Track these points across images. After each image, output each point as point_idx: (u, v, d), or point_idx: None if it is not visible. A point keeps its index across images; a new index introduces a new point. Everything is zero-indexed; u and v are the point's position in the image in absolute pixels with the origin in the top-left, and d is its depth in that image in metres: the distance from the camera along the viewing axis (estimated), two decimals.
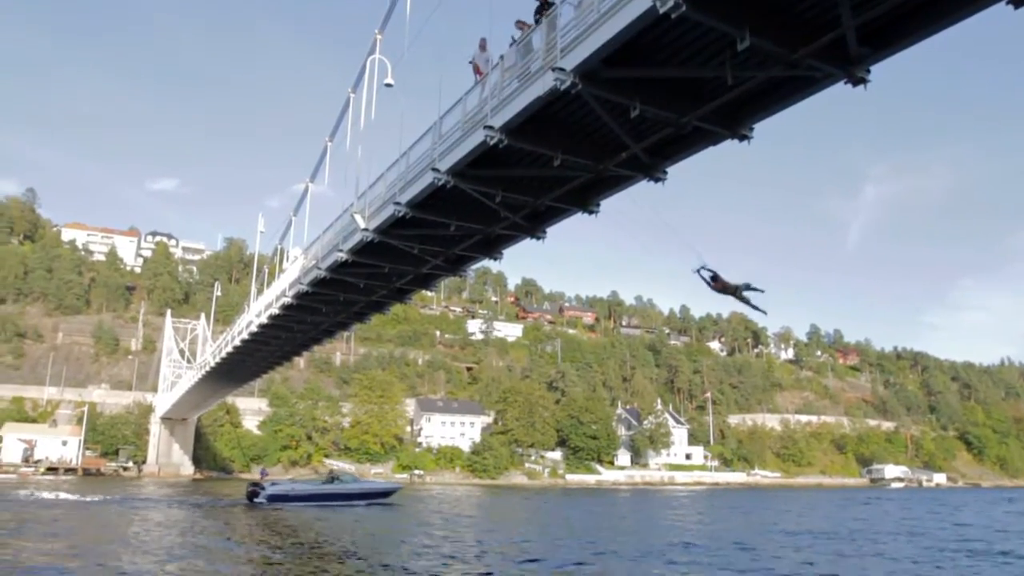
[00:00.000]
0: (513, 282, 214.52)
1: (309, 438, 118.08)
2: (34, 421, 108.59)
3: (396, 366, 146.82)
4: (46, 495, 50.22)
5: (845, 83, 14.66)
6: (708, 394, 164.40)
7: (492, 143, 18.88)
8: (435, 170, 21.67)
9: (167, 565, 20.43)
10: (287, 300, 37.04)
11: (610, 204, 23.72)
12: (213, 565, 20.65)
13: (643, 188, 21.64)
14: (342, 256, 28.71)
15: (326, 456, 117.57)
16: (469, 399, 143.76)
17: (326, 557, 23.61)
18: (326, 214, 34.36)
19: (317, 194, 39.92)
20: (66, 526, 31.60)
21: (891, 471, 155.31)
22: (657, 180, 20.49)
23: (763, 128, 17.39)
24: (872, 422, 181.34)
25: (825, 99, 15.99)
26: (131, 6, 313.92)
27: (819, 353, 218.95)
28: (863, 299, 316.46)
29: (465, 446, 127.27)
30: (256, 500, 46.79)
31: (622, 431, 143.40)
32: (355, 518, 39.49)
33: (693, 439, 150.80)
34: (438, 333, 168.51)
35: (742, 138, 17.48)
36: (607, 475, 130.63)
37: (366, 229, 26.44)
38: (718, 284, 17.85)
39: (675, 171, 20.51)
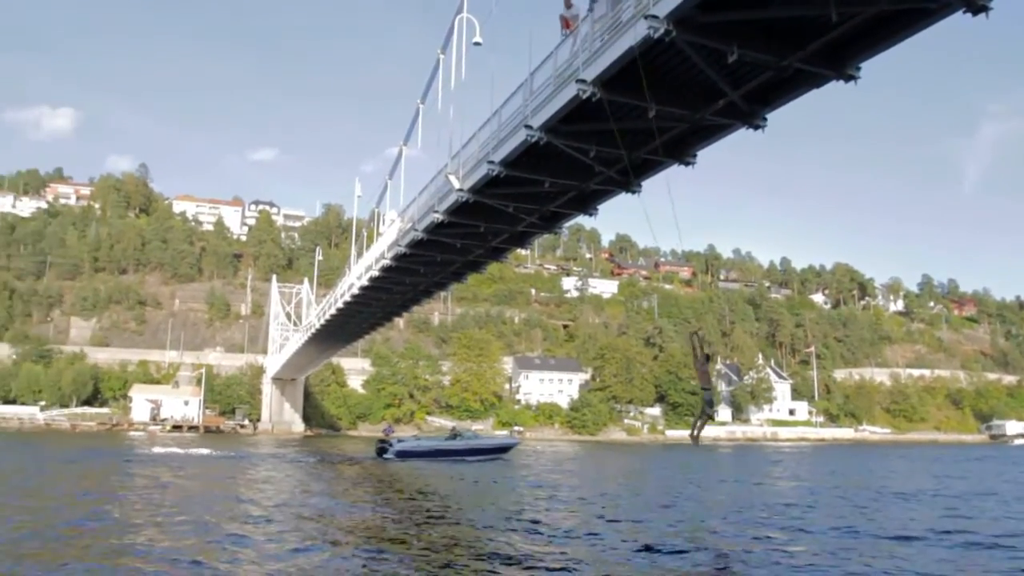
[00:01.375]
0: (607, 238, 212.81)
1: (411, 396, 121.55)
2: (158, 383, 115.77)
3: (493, 325, 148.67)
4: (177, 450, 53.47)
5: (964, 12, 13.67)
6: (812, 348, 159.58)
7: (585, 97, 18.61)
8: (528, 127, 21.56)
9: (338, 516, 21.01)
10: (386, 262, 37.88)
11: (707, 155, 23.16)
12: (371, 512, 21.37)
13: (741, 137, 20.99)
14: (438, 217, 29.07)
15: (428, 413, 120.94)
16: (566, 356, 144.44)
17: (460, 508, 24.00)
18: (420, 177, 34.75)
19: (411, 157, 40.41)
20: (214, 476, 33.64)
21: (1013, 427, 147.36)
22: (756, 128, 19.78)
23: (870, 68, 16.48)
24: (992, 376, 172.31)
25: (938, 32, 14.89)
26: None
27: (932, 304, 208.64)
28: (980, 247, 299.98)
29: (563, 403, 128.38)
30: (385, 456, 49.05)
31: (722, 386, 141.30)
32: (479, 472, 40.20)
33: (796, 394, 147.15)
34: (533, 291, 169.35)
35: (848, 79, 16.61)
36: (707, 431, 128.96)
37: (461, 189, 26.64)
38: (699, 356, 17.18)
39: (775, 118, 19.78)
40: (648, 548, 15.38)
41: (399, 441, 53.46)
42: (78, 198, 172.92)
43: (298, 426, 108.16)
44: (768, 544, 16.79)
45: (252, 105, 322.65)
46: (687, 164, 23.02)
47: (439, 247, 33.44)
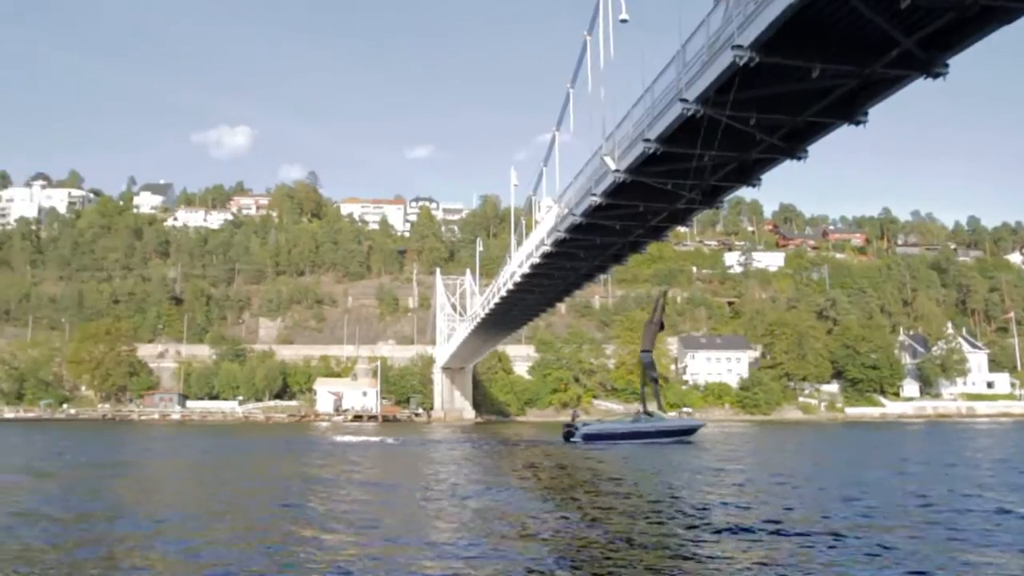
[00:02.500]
0: (770, 209, 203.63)
1: (576, 380, 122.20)
2: (338, 376, 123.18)
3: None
4: (361, 438, 56.52)
5: None
6: (1011, 314, 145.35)
7: (742, 63, 17.88)
8: (683, 100, 21.02)
9: (531, 504, 21.33)
10: (546, 249, 38.23)
11: (878, 112, 21.62)
12: (563, 501, 21.58)
13: (918, 89, 19.40)
14: (595, 200, 28.96)
15: (594, 397, 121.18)
16: (733, 334, 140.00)
17: (651, 495, 23.00)
18: (574, 161, 34.71)
19: (564, 142, 40.41)
20: (401, 462, 35.30)
21: None
22: (936, 76, 18.22)
23: None
24: None
25: None
26: None
27: None
28: None
29: (732, 382, 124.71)
30: (572, 439, 49.69)
31: (906, 359, 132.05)
32: (668, 455, 39.35)
33: (995, 365, 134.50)
34: (694, 269, 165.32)
35: None
36: (892, 407, 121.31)
37: (617, 170, 26.40)
38: (655, 319, 15.27)
39: (954, 64, 18.13)
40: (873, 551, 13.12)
41: (585, 425, 53.72)
42: (258, 208, 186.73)
43: (469, 413, 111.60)
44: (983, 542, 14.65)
45: (405, 105, 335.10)
46: (857, 124, 21.63)
47: (598, 230, 33.33)
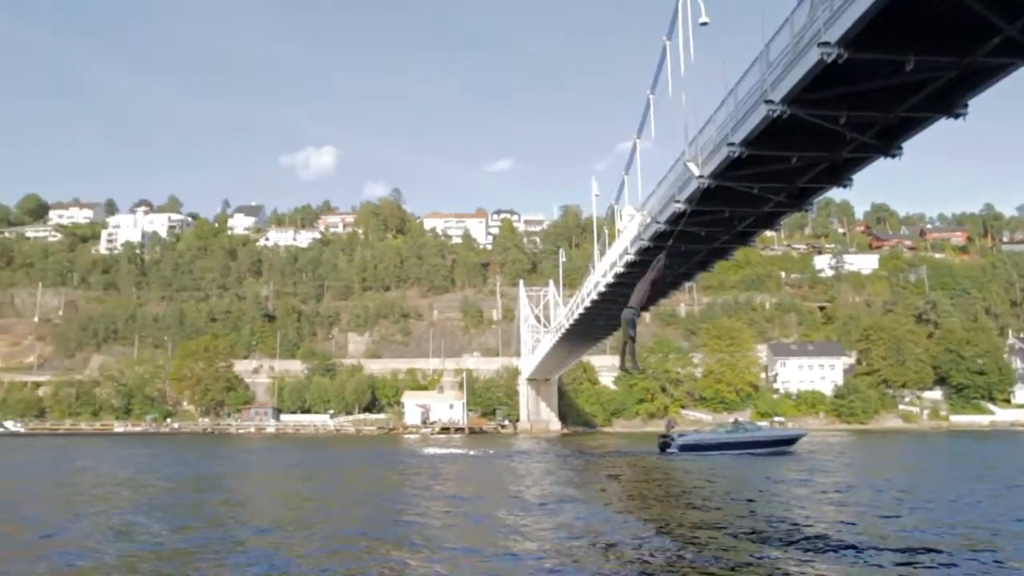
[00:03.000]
0: (861, 209, 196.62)
1: (663, 390, 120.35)
2: (424, 388, 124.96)
3: (742, 312, 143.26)
4: (451, 451, 56.95)
5: None
6: None
7: (830, 60, 17.35)
8: (768, 102, 20.51)
9: (632, 517, 21.25)
10: (629, 257, 37.84)
11: (979, 104, 20.56)
12: (667, 513, 21.32)
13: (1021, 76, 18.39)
14: (679, 207, 28.51)
15: (682, 407, 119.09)
16: (825, 340, 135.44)
17: (751, 505, 22.25)
18: (656, 169, 34.39)
19: (645, 149, 39.97)
20: (495, 474, 35.46)
21: None
22: None
23: None
24: None
25: None
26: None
27: None
28: None
29: (827, 390, 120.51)
30: (668, 451, 48.80)
31: (1018, 364, 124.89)
32: (769, 467, 37.80)
33: None
34: (783, 274, 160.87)
35: None
36: (1003, 414, 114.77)
37: (701, 176, 25.94)
38: (658, 278, 13.65)
39: None
40: None
41: (681, 436, 52.52)
42: (344, 226, 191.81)
43: (555, 424, 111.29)
44: None
45: (483, 119, 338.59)
46: (956, 117, 20.63)
47: (682, 237, 32.72)
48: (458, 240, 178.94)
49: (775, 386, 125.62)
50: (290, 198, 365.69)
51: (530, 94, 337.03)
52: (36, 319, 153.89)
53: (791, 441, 52.26)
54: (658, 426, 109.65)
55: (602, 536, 16.06)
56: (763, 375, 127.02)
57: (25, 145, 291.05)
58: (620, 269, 40.99)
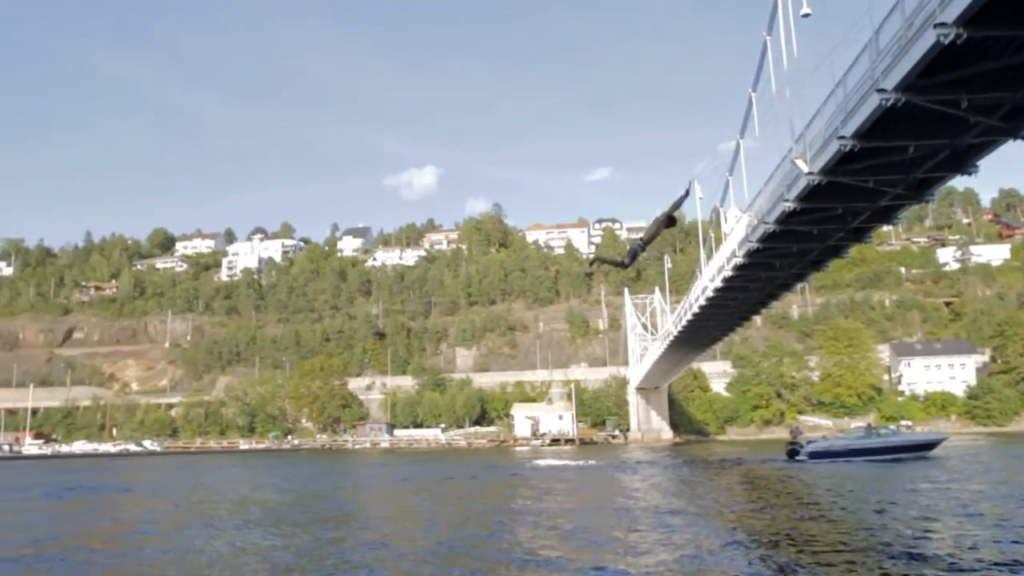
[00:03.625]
0: (988, 197, 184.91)
1: (779, 395, 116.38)
2: (533, 400, 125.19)
3: (860, 311, 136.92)
4: (563, 462, 56.58)
5: None
6: None
7: (947, 42, 16.36)
8: (880, 91, 19.56)
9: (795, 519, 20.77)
10: (738, 260, 36.79)
11: None
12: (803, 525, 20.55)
13: None
14: (788, 206, 27.51)
15: (799, 412, 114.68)
16: (954, 338, 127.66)
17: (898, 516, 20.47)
18: (761, 168, 33.34)
19: (748, 148, 38.81)
20: (613, 485, 35.09)
21: None
22: None
23: None
24: None
25: None
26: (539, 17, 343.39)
27: None
28: None
29: (958, 390, 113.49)
30: (797, 458, 46.99)
31: None
32: (912, 472, 35.62)
33: None
34: (903, 269, 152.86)
35: None
36: None
37: (810, 172, 24.97)
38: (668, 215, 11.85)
39: None
40: None
41: (810, 442, 50.24)
42: (448, 242, 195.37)
43: (666, 433, 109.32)
44: None
45: (580, 130, 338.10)
46: None
47: (793, 237, 31.65)
48: (561, 251, 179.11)
49: (900, 388, 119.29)
50: (395, 218, 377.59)
51: (626, 101, 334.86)
52: (167, 344, 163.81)
53: (931, 446, 48.70)
54: (774, 433, 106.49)
55: (726, 552, 15.48)
56: (886, 377, 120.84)
57: (151, 181, 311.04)
58: (728, 273, 39.93)
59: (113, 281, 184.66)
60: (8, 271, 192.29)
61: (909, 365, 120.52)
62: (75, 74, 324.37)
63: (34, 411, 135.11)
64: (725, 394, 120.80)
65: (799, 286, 61.78)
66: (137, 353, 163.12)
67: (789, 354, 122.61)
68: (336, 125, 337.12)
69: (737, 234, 36.71)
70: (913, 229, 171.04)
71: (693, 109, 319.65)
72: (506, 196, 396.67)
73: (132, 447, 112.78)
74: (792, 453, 47.63)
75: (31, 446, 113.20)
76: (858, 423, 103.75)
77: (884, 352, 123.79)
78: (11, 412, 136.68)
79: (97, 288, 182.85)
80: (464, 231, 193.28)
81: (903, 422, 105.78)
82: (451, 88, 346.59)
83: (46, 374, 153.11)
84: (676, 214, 10.86)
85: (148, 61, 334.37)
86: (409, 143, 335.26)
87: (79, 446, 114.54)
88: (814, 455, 46.23)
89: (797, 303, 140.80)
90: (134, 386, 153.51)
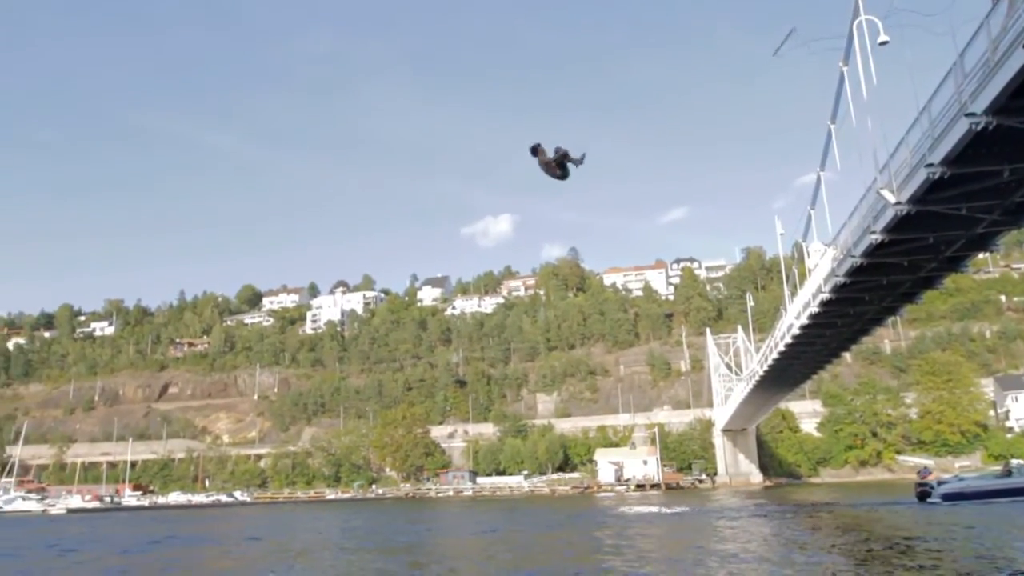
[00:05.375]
0: None
1: (874, 435, 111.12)
2: (616, 445, 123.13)
3: (958, 343, 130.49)
4: (658, 509, 54.69)
5: None
6: None
7: None
8: (969, 115, 18.84)
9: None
10: (824, 296, 35.66)
11: None
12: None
13: None
14: (876, 238, 26.60)
15: (897, 452, 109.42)
16: None
17: None
18: (843, 201, 32.36)
19: (829, 181, 37.85)
20: (711, 534, 33.42)
21: None
22: None
23: None
24: None
25: None
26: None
27: None
28: None
29: None
30: (929, 500, 44.53)
31: None
32: None
33: None
34: (1003, 298, 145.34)
35: None
36: None
37: (898, 203, 24.12)
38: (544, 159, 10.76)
39: None
40: None
41: (941, 483, 47.11)
42: (526, 288, 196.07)
43: (756, 477, 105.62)
44: None
45: (655, 171, 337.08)
46: None
47: (882, 269, 30.54)
48: (639, 293, 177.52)
49: (1008, 424, 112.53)
50: (473, 266, 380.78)
51: (698, 141, 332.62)
52: (256, 397, 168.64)
53: None
54: (871, 474, 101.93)
55: None
56: (991, 413, 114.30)
57: (239, 238, 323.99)
58: (815, 309, 38.71)
59: (205, 337, 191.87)
60: (110, 330, 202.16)
61: (1017, 400, 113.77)
62: (167, 141, 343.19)
63: (133, 463, 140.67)
64: (816, 434, 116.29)
65: (891, 320, 59.34)
66: (228, 406, 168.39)
67: (883, 391, 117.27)
68: (413, 177, 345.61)
69: (822, 269, 35.67)
70: (1013, 255, 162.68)
71: (769, 145, 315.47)
72: (581, 240, 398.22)
73: (224, 498, 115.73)
74: (923, 495, 44.81)
75: (130, 497, 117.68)
76: (963, 463, 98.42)
77: (988, 386, 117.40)
78: (112, 465, 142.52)
79: (190, 344, 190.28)
80: (541, 276, 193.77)
81: (1013, 461, 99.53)
82: (524, 136, 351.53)
83: (144, 428, 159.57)
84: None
85: (233, 126, 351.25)
86: (485, 192, 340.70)
87: (174, 497, 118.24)
88: (948, 497, 43.32)
89: (889, 337, 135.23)
90: (225, 438, 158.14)
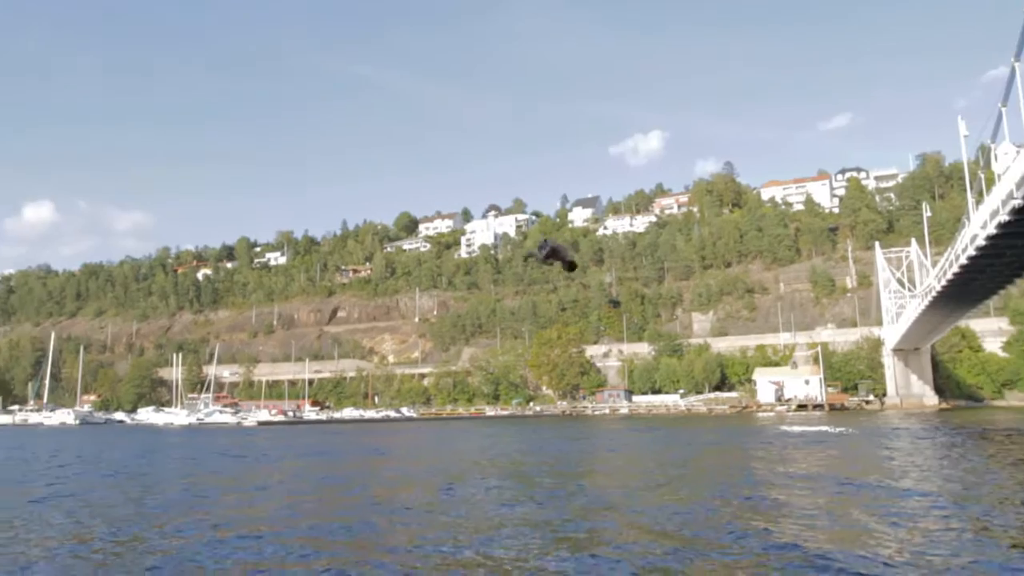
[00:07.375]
0: None
1: None
2: (776, 365, 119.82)
3: None
4: (822, 428, 53.51)
5: None
6: None
7: None
8: None
9: None
10: (1017, 202, 32.38)
11: None
12: None
13: None
14: None
15: None
16: None
17: None
18: None
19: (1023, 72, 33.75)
20: (884, 455, 32.76)
21: None
22: None
23: None
24: None
25: None
26: None
27: None
28: None
29: None
30: None
31: None
32: None
33: None
34: None
35: None
36: None
37: None
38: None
39: None
40: None
41: None
42: (679, 206, 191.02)
43: (930, 399, 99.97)
44: None
45: (812, 77, 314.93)
46: None
47: None
48: (800, 207, 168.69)
49: None
50: (623, 185, 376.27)
51: (864, 34, 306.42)
52: (417, 319, 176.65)
53: None
54: None
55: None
56: None
57: (396, 169, 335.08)
58: (1004, 217, 35.25)
59: (367, 264, 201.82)
60: (282, 260, 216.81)
61: None
62: (330, 80, 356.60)
63: (310, 382, 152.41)
64: (1002, 354, 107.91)
65: None
66: (391, 328, 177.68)
67: None
68: (559, 98, 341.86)
69: (1014, 172, 32.29)
70: None
71: (949, 33, 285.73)
72: (737, 154, 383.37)
73: (392, 414, 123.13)
74: None
75: (310, 412, 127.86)
76: None
77: None
78: (292, 383, 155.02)
79: (355, 271, 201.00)
80: (695, 193, 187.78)
81: None
82: (674, 51, 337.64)
83: (317, 349, 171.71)
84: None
85: (388, 61, 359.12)
86: (633, 109, 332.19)
87: (348, 412, 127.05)
88: None
89: None
90: (390, 358, 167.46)
